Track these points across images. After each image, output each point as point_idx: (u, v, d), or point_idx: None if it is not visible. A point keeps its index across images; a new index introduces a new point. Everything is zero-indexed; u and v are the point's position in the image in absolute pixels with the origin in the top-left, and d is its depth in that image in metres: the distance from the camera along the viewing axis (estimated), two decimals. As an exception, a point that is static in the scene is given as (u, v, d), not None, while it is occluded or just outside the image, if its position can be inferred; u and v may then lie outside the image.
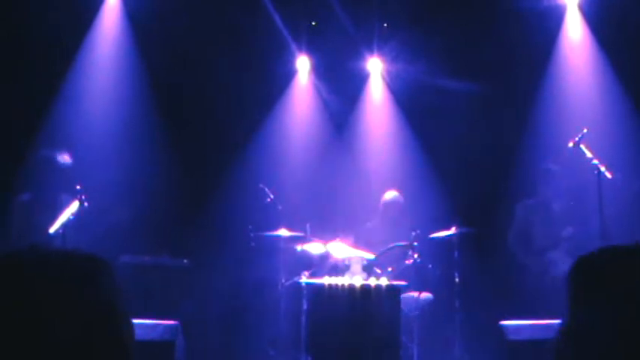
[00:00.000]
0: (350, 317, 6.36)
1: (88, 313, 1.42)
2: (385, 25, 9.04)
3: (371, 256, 6.91)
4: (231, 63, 8.48)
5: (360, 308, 6.37)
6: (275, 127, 9.01)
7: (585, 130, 6.70)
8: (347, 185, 8.67)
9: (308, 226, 7.07)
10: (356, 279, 6.51)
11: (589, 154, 6.61)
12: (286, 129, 9.11)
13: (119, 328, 1.46)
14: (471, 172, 8.38)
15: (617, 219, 7.00)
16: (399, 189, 8.08)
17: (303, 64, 9.37)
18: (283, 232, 7.42)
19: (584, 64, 8.52)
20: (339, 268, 6.81)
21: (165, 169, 8.04)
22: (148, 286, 7.08)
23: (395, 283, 6.62)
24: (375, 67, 9.40)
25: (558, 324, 1.62)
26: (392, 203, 8.00)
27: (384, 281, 6.51)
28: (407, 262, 7.02)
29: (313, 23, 9.10)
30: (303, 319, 6.59)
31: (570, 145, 6.71)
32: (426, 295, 7.26)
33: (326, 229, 7.32)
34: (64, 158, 6.76)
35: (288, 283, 7.25)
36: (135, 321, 4.70)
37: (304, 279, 6.66)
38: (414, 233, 6.92)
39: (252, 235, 7.67)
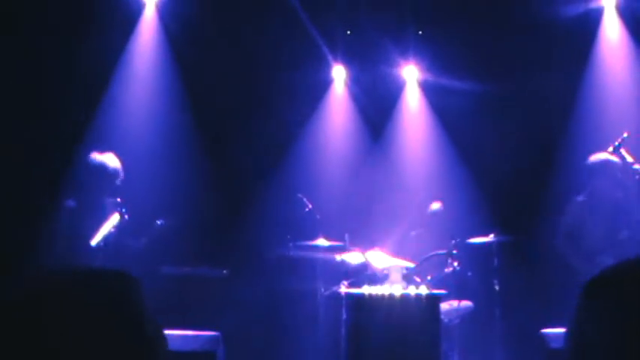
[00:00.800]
0: (389, 327, 6.32)
1: (116, 331, 1.43)
2: (420, 32, 9.02)
3: (410, 264, 6.88)
4: (268, 74, 8.53)
5: (399, 317, 6.33)
6: (312, 137, 9.03)
7: (625, 135, 6.60)
8: (385, 193, 8.66)
9: (347, 235, 7.06)
10: (395, 288, 6.48)
11: (630, 159, 6.51)
12: (323, 138, 9.13)
13: (148, 345, 1.47)
14: (509, 178, 8.30)
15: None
16: (439, 198, 8.09)
17: (338, 73, 9.40)
18: (322, 242, 7.42)
19: (622, 66, 8.42)
20: (379, 278, 6.77)
21: (203, 180, 8.11)
22: (189, 296, 7.14)
23: (434, 291, 6.58)
24: (411, 74, 9.39)
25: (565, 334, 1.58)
26: (438, 214, 8.05)
27: (423, 290, 6.47)
28: (446, 270, 6.99)
29: (348, 32, 9.12)
30: (343, 329, 6.57)
31: (610, 149, 6.59)
32: (465, 304, 7.22)
33: (365, 238, 7.30)
34: (113, 162, 6.68)
35: (327, 293, 7.24)
36: (176, 332, 4.71)
37: (343, 289, 6.65)
38: (453, 242, 6.88)
39: (290, 245, 7.69)
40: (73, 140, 7.59)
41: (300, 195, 7.72)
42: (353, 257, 7.07)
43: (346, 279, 6.79)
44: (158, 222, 6.79)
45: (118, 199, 6.32)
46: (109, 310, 1.44)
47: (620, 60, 8.44)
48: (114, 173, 6.66)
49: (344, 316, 6.57)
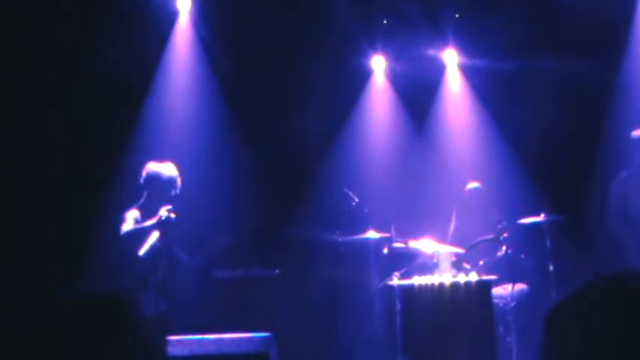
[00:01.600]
0: (442, 316, 6.30)
1: (109, 353, 1.46)
2: (457, 15, 8.90)
3: (460, 251, 6.82)
4: (306, 69, 8.50)
5: (450, 306, 6.30)
6: (354, 129, 9.00)
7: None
8: (431, 181, 8.59)
9: (392, 227, 7.02)
10: (445, 276, 6.44)
11: None
12: (365, 130, 9.08)
13: None
14: (555, 157, 8.16)
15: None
16: (481, 180, 7.98)
17: (378, 63, 9.34)
18: (371, 235, 7.41)
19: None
20: (428, 267, 6.74)
21: (248, 179, 8.14)
22: (242, 298, 7.20)
23: (485, 277, 6.51)
24: (451, 58, 9.27)
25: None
26: (474, 192, 7.91)
27: (473, 277, 6.42)
28: (498, 254, 6.92)
29: (385, 21, 9.05)
30: (398, 320, 6.56)
31: None
32: (520, 287, 7.13)
33: (412, 228, 7.25)
34: (168, 171, 6.63)
35: (380, 285, 7.22)
36: (230, 335, 4.77)
37: (395, 280, 6.63)
38: (500, 226, 6.78)
39: (340, 240, 7.70)
40: (118, 149, 7.70)
41: (345, 189, 7.73)
42: (402, 248, 7.03)
43: (397, 270, 6.77)
44: (215, 241, 6.80)
45: (169, 207, 6.25)
46: (97, 338, 1.47)
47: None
48: (168, 183, 6.58)
49: (398, 308, 6.57)
